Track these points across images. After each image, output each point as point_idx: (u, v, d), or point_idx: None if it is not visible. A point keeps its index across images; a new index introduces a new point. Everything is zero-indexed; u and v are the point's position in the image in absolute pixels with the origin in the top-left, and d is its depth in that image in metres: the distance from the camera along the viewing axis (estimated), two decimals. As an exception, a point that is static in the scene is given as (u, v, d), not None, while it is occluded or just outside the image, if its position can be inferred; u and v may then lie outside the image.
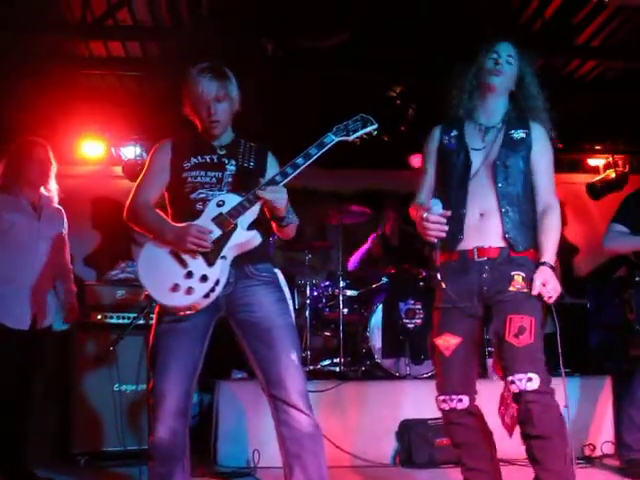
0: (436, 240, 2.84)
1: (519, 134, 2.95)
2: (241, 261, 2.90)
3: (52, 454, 4.77)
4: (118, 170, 6.65)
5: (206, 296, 2.78)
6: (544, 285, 2.78)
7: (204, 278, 2.78)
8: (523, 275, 2.83)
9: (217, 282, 2.80)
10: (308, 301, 5.65)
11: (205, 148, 3.02)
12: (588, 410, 4.92)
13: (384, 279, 5.81)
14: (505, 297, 2.83)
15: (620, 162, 7.32)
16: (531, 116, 3.00)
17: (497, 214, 2.88)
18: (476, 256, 2.91)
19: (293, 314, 3.05)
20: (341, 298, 5.55)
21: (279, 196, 2.83)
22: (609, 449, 4.78)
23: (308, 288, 5.70)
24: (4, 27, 4.80)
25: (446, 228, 2.82)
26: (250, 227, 2.89)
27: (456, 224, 2.91)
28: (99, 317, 4.93)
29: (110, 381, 4.73)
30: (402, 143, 6.74)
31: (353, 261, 6.46)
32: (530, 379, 2.72)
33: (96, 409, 4.78)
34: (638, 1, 5.12)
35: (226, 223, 2.84)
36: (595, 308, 5.99)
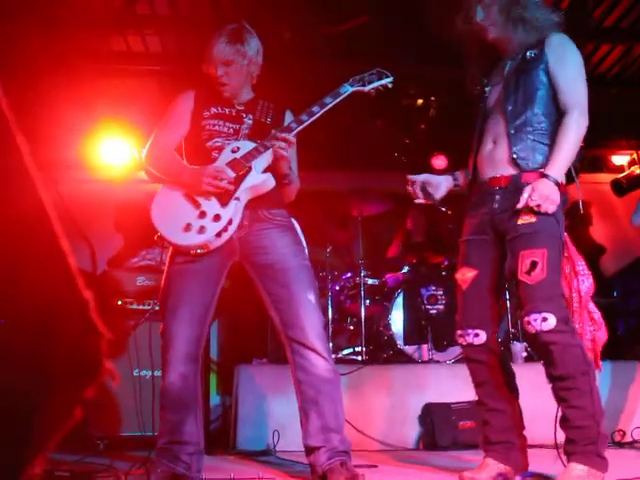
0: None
1: (532, 53, 2.86)
2: (255, 205, 2.94)
3: (72, 438, 4.70)
4: (142, 175, 6.47)
5: (218, 235, 2.80)
6: (533, 196, 2.67)
7: (217, 217, 2.82)
8: (541, 211, 2.71)
9: (230, 222, 2.82)
10: (330, 294, 5.59)
11: (225, 101, 3.09)
12: (618, 396, 4.76)
13: (406, 268, 5.79)
14: (516, 232, 2.74)
15: (645, 158, 7.21)
16: (543, 27, 2.90)
17: (506, 138, 2.82)
18: (489, 186, 2.87)
19: (307, 257, 3.02)
20: (362, 287, 5.48)
21: (288, 150, 2.90)
22: (640, 435, 4.63)
23: (329, 282, 5.66)
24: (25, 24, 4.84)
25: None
26: (265, 171, 2.93)
27: (477, 160, 2.94)
28: (119, 303, 4.91)
29: (129, 366, 4.69)
30: (424, 144, 6.80)
31: (394, 248, 6.43)
32: (545, 319, 2.62)
33: (115, 394, 4.71)
34: None
35: (240, 166, 2.88)
36: (622, 297, 5.88)
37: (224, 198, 2.82)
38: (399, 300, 5.49)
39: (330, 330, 5.45)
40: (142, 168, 4.64)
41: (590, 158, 7.48)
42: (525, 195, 2.68)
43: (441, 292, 5.36)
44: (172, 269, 2.88)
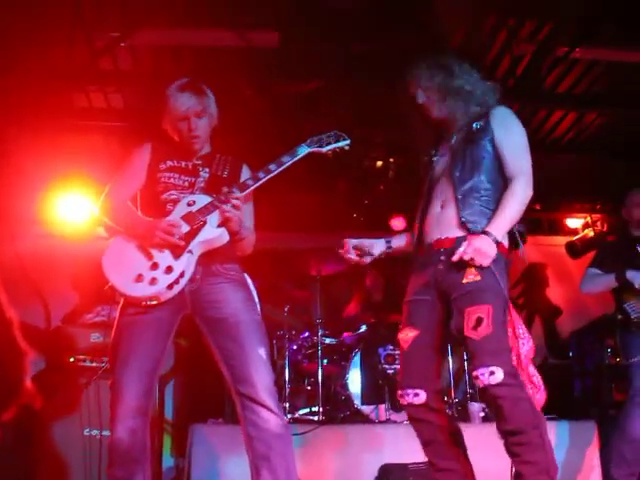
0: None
1: (477, 125, 2.93)
2: (209, 259, 2.89)
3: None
4: (101, 231, 6.39)
5: (170, 287, 2.77)
6: (467, 250, 2.71)
7: (169, 269, 2.78)
8: (476, 264, 2.76)
9: (182, 274, 2.80)
10: (287, 353, 5.60)
11: (182, 155, 3.09)
12: (575, 456, 4.75)
13: (364, 327, 5.81)
14: (461, 291, 2.77)
15: (598, 222, 7.38)
16: (484, 98, 2.98)
17: (453, 203, 2.87)
18: (434, 248, 2.90)
19: (259, 312, 3.01)
20: (320, 347, 5.50)
21: (236, 212, 2.86)
22: (595, 493, 4.62)
23: (287, 341, 5.68)
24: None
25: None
26: (219, 226, 2.90)
27: (424, 222, 3.00)
28: (71, 360, 4.77)
29: (79, 425, 4.56)
30: (382, 204, 6.88)
31: (352, 307, 6.45)
32: (492, 372, 2.62)
33: (63, 453, 4.55)
34: (609, 56, 5.35)
35: (195, 220, 2.86)
36: (577, 357, 5.94)
37: (177, 250, 2.80)
38: (356, 359, 5.48)
39: (287, 390, 5.42)
40: (100, 223, 4.57)
41: (547, 221, 7.66)
42: (461, 249, 2.73)
43: (399, 352, 5.28)
44: (122, 320, 2.85)
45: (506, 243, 2.87)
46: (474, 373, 2.68)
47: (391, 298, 6.17)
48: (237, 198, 2.84)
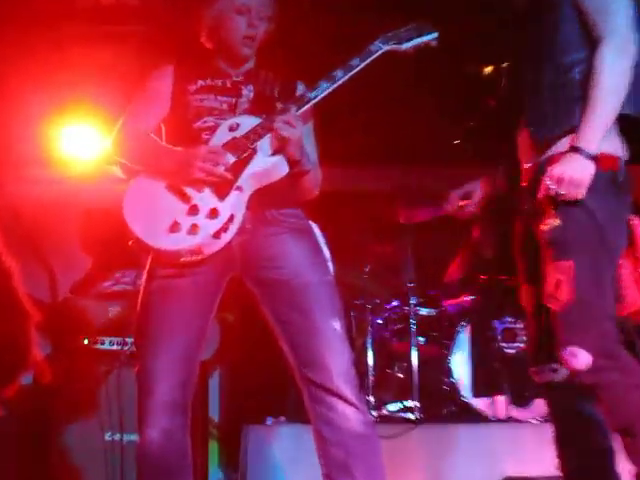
0: None
1: None
2: (261, 202, 2.89)
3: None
4: (116, 171, 6.04)
5: (216, 235, 2.74)
6: (551, 181, 2.65)
7: (214, 212, 2.76)
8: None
9: (231, 218, 2.77)
10: (370, 329, 5.59)
11: (217, 71, 3.10)
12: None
13: (472, 293, 5.79)
14: (542, 243, 2.75)
15: None
16: None
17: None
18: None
19: (332, 273, 3.03)
20: (413, 320, 5.47)
21: (293, 130, 2.83)
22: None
23: (369, 313, 5.66)
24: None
25: None
26: (274, 154, 2.89)
27: None
28: (85, 342, 4.87)
29: (100, 429, 4.64)
30: (493, 126, 6.52)
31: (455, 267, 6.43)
32: (574, 354, 2.59)
33: (83, 466, 4.61)
34: None
35: (242, 147, 2.85)
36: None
37: (222, 188, 2.79)
38: (463, 336, 5.46)
39: (371, 379, 5.45)
40: (114, 162, 4.69)
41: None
42: (543, 183, 2.69)
43: (521, 325, 5.27)
44: (151, 286, 2.86)
45: (612, 148, 2.72)
46: (560, 355, 2.65)
47: (507, 254, 6.06)
48: (286, 119, 2.82)
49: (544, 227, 2.69)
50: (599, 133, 2.63)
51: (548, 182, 2.64)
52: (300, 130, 2.84)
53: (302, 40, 5.28)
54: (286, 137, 2.81)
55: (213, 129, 2.94)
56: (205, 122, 2.97)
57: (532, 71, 2.82)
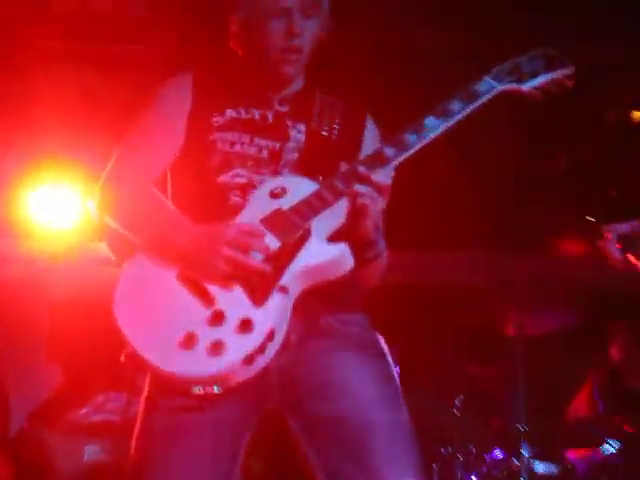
0: None
1: None
2: (311, 305, 2.70)
3: None
4: (102, 247, 6.11)
5: (248, 361, 2.53)
6: None
7: (246, 325, 2.55)
8: None
9: (270, 335, 2.57)
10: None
11: (255, 97, 2.93)
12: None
13: (610, 445, 5.42)
14: None
15: None
16: None
17: None
18: None
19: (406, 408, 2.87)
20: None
21: (378, 199, 2.71)
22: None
23: (459, 467, 5.40)
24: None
25: None
26: (333, 239, 2.73)
27: None
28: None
29: None
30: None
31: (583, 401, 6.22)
32: None
33: None
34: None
35: (290, 227, 2.67)
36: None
37: (259, 288, 2.56)
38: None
39: None
40: (101, 234, 4.77)
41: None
42: None
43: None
44: (153, 423, 2.65)
45: None
46: None
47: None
48: (370, 181, 2.64)
49: None
50: None
51: None
52: (386, 199, 2.70)
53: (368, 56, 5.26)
54: (366, 208, 2.65)
55: (246, 188, 2.77)
56: (235, 177, 2.79)
57: None
